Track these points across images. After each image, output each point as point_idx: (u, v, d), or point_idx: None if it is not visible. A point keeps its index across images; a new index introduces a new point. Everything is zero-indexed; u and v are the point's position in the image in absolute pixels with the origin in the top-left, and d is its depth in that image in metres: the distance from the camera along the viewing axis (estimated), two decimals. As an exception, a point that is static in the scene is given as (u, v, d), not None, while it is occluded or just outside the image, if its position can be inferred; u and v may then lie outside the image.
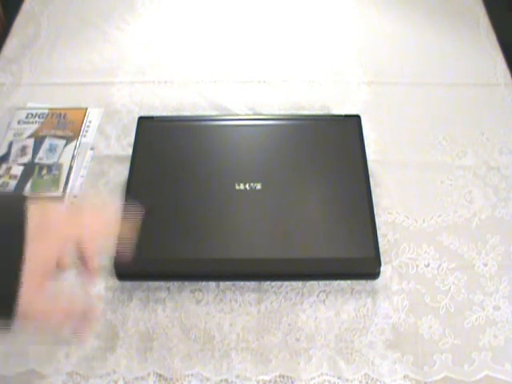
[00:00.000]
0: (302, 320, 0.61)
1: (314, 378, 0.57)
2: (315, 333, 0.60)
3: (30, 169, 0.72)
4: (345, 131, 0.71)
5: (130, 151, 0.70)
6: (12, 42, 0.89)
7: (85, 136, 0.76)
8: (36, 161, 0.72)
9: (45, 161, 0.72)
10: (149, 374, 0.58)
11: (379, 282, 0.63)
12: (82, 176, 0.72)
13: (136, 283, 0.63)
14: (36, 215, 0.41)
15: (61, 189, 0.70)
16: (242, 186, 0.65)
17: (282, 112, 0.79)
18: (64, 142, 0.75)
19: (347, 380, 0.57)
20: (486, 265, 0.65)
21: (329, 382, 0.57)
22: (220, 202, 0.65)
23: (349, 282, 0.63)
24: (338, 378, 0.57)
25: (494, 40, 0.89)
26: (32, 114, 0.78)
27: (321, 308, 0.62)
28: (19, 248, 0.39)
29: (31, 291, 0.40)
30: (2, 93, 0.82)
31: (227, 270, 0.62)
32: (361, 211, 0.64)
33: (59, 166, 0.72)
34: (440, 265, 0.65)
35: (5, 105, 0.80)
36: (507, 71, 0.84)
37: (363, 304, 0.62)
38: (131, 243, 0.62)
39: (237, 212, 0.64)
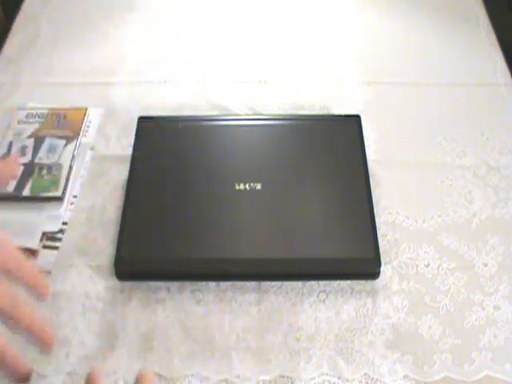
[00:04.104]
0: (302, 320, 0.61)
1: (314, 378, 0.57)
2: (315, 333, 0.60)
3: (29, 169, 0.71)
4: (345, 131, 0.71)
5: (129, 151, 0.70)
6: (12, 41, 0.89)
7: (85, 136, 0.76)
8: (36, 161, 0.72)
9: (45, 161, 0.72)
10: (149, 374, 0.58)
11: (379, 282, 0.63)
12: (81, 176, 0.72)
13: (136, 283, 0.63)
14: None
15: (61, 189, 0.70)
16: (242, 186, 0.65)
17: (282, 112, 0.79)
18: (64, 142, 0.75)
19: (347, 380, 0.57)
20: (485, 265, 0.65)
21: (329, 382, 0.57)
22: (220, 201, 0.65)
23: (349, 281, 0.63)
24: (338, 378, 0.57)
25: (494, 40, 0.88)
26: (32, 114, 0.77)
27: (321, 308, 0.62)
28: None
29: None
30: (2, 93, 0.82)
31: (227, 270, 0.62)
32: (361, 211, 0.64)
33: (59, 166, 0.72)
34: (440, 265, 0.65)
35: (5, 105, 0.80)
36: (507, 71, 0.84)
37: (363, 304, 0.62)
38: (131, 243, 0.63)
39: (237, 212, 0.64)
